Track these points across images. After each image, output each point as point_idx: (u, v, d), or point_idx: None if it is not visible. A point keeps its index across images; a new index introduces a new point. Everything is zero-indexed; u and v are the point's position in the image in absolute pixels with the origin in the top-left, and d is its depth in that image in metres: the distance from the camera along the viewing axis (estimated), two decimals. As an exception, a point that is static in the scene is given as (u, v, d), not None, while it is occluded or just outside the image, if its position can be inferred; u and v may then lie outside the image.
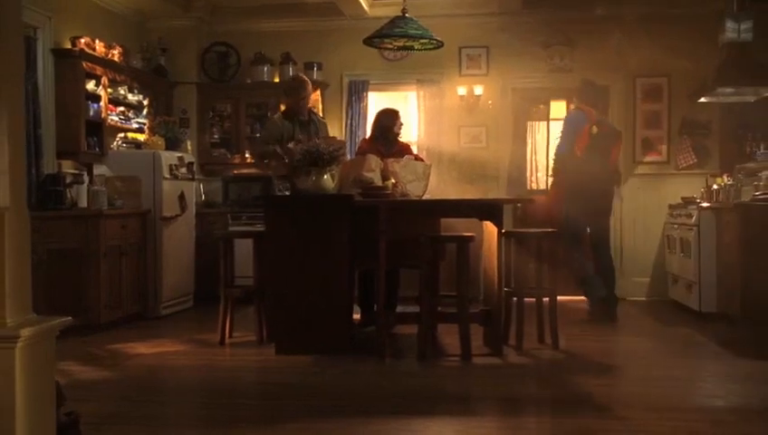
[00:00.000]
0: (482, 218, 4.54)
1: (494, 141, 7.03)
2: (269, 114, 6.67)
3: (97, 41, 5.87)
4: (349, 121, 7.12)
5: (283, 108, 5.64)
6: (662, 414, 3.25)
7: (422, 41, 4.74)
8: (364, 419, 3.19)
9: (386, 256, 4.29)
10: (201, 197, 7.02)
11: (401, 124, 5.42)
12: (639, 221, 6.92)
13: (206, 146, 7.19)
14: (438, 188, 6.39)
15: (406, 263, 4.72)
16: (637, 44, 6.82)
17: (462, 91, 7.02)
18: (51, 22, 5.55)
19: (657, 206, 6.82)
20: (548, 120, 7.03)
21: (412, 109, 7.20)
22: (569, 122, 5.76)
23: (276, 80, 7.15)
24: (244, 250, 5.43)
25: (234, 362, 4.51)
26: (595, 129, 5.58)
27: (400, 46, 4.90)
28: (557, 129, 6.52)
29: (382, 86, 7.24)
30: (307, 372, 4.10)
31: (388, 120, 5.38)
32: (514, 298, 4.59)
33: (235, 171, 7.19)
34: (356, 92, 7.12)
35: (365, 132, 7.11)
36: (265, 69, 7.10)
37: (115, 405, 3.45)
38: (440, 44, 4.80)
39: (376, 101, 7.22)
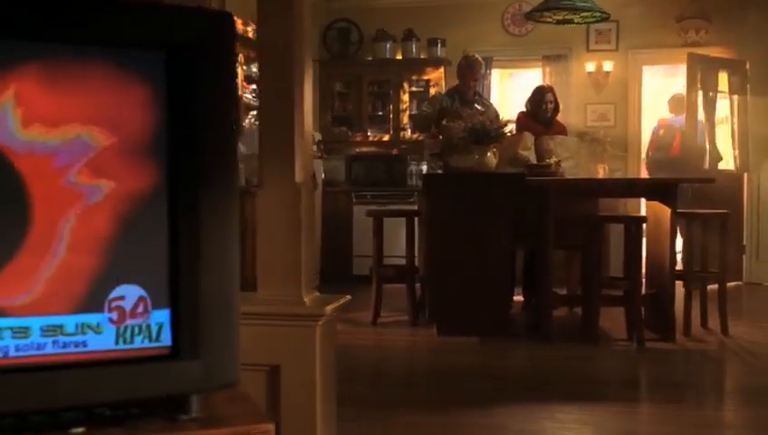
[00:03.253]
0: (650, 198, 4.37)
1: (622, 119, 6.79)
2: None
3: (235, 17, 5.88)
4: (471, 99, 6.98)
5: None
6: None
7: (583, 14, 4.55)
8: (536, 404, 3.15)
9: (553, 236, 4.18)
10: (322, 175, 7.03)
11: (550, 102, 5.20)
12: (779, 203, 6.58)
13: (327, 124, 7.18)
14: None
15: (565, 243, 4.59)
16: (780, 16, 6.44)
17: (590, 67, 6.79)
18: None
19: (799, 187, 6.47)
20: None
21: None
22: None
23: (399, 57, 7.06)
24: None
25: (393, 342, 4.49)
26: (662, 131, 6.58)
27: (560, 20, 4.72)
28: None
29: (506, 63, 7.08)
30: (474, 354, 4.06)
31: (535, 96, 5.24)
32: (682, 281, 4.42)
33: (358, 150, 7.16)
34: (479, 69, 6.95)
35: (488, 110, 6.99)
36: (387, 46, 7.02)
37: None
38: (605, 16, 4.60)
39: (499, 79, 7.07)
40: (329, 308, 1.92)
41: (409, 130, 6.94)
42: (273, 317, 1.92)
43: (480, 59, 5.19)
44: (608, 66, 6.77)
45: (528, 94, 5.33)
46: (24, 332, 0.86)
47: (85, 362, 0.89)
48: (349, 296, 2.13)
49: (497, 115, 5.23)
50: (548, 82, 6.92)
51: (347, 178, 7.02)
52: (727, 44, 6.56)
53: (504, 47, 6.95)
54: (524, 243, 4.51)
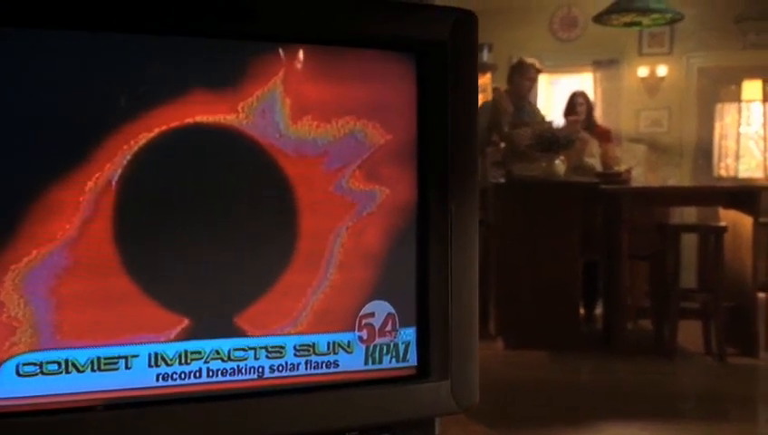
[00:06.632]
0: (728, 206, 4.23)
1: (676, 125, 6.65)
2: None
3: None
4: (519, 106, 6.87)
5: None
6: None
7: (653, 16, 4.43)
8: (614, 419, 3.09)
9: (627, 246, 4.06)
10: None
11: (581, 105, 5.03)
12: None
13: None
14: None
15: (632, 253, 4.46)
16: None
17: (643, 72, 6.66)
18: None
19: None
20: (739, 101, 6.57)
21: (586, 92, 6.86)
22: None
23: (445, 63, 6.97)
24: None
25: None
26: None
27: (627, 22, 4.60)
28: (750, 111, 6.11)
29: (554, 68, 6.94)
30: (545, 368, 3.96)
31: (566, 106, 5.13)
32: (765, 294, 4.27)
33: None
34: (527, 75, 6.84)
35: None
36: (433, 52, 6.92)
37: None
38: (678, 17, 4.47)
39: (546, 85, 6.95)
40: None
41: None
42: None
43: (528, 61, 4.95)
44: (662, 71, 6.63)
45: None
46: (279, 351, 0.77)
47: (336, 384, 0.80)
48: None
49: (542, 118, 5.07)
50: (599, 89, 6.82)
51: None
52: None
53: (551, 52, 6.82)
54: (594, 253, 4.39)
